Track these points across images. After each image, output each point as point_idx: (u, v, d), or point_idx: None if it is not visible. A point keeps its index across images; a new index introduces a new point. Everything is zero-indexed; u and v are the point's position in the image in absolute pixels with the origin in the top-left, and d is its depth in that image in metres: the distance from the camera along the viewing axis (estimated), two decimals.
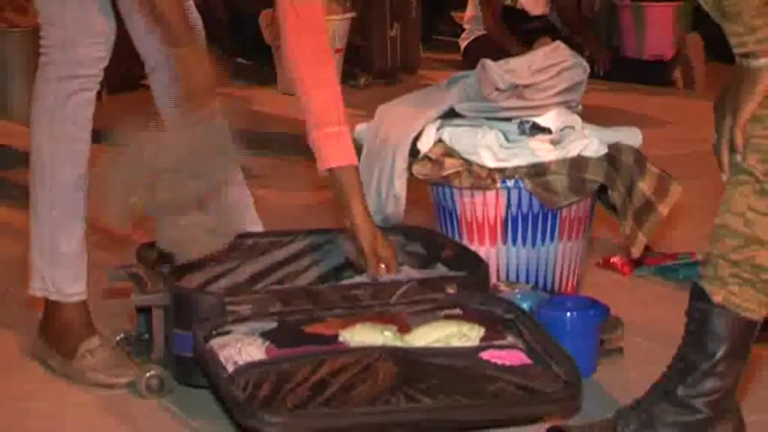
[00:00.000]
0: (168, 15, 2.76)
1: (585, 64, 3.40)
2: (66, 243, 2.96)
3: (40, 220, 2.97)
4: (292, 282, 3.14)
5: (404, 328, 2.72)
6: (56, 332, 2.99)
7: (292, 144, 5.22)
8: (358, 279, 3.03)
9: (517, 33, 6.46)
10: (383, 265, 2.97)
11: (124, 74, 6.40)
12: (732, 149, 2.32)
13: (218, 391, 2.60)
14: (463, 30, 6.97)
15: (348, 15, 6.77)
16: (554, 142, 3.21)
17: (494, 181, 3.17)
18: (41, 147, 2.95)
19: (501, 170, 3.17)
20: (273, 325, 2.72)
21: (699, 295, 2.39)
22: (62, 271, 2.97)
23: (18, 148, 5.45)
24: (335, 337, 2.69)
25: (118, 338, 3.04)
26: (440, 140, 3.25)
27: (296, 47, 2.98)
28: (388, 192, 3.24)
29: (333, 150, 2.96)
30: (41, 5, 2.93)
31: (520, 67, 3.29)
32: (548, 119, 3.25)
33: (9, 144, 5.57)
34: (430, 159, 3.22)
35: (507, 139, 3.20)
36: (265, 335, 2.68)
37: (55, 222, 2.95)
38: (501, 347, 2.69)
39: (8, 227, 4.18)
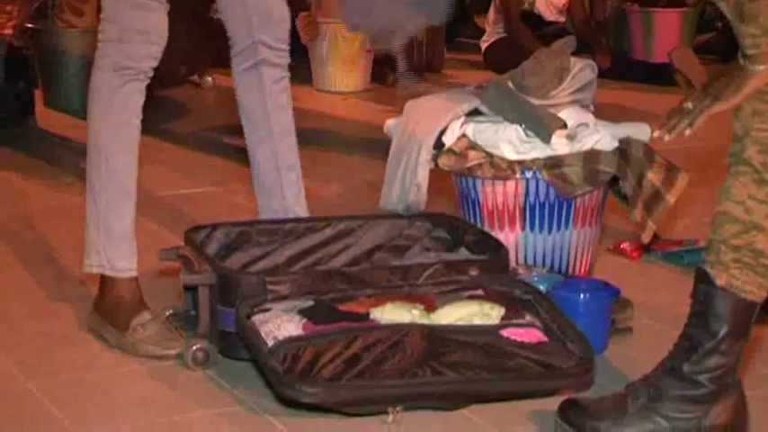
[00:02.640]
0: None
1: (593, 64, 3.39)
2: (119, 222, 2.98)
3: (95, 200, 2.99)
4: (327, 263, 3.13)
5: (430, 307, 2.72)
6: (109, 307, 3.00)
7: (328, 138, 5.24)
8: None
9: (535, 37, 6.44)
10: None
11: (171, 71, 6.45)
12: (690, 125, 2.30)
13: (259, 363, 2.60)
14: (484, 32, 6.95)
15: None
16: (569, 137, 3.21)
17: (513, 172, 3.16)
18: (97, 132, 2.97)
19: (520, 162, 3.16)
20: (310, 303, 2.72)
21: (702, 278, 2.38)
22: (115, 247, 2.98)
23: (76, 139, 5.47)
24: (367, 314, 2.69)
25: (167, 314, 3.04)
26: (463, 135, 3.24)
27: None
28: (412, 181, 3.23)
29: None
30: (105, 3, 2.96)
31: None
32: (564, 115, 3.25)
33: (68, 135, 5.58)
34: (454, 152, 3.22)
35: (526, 134, 3.20)
36: (302, 312, 2.68)
37: (108, 202, 2.97)
38: (520, 326, 2.69)
39: (67, 213, 4.19)
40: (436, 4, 3.16)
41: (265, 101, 3.19)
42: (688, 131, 2.29)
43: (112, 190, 2.97)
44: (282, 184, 3.23)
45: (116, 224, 2.98)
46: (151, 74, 2.98)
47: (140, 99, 2.98)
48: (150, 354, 2.88)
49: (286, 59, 3.22)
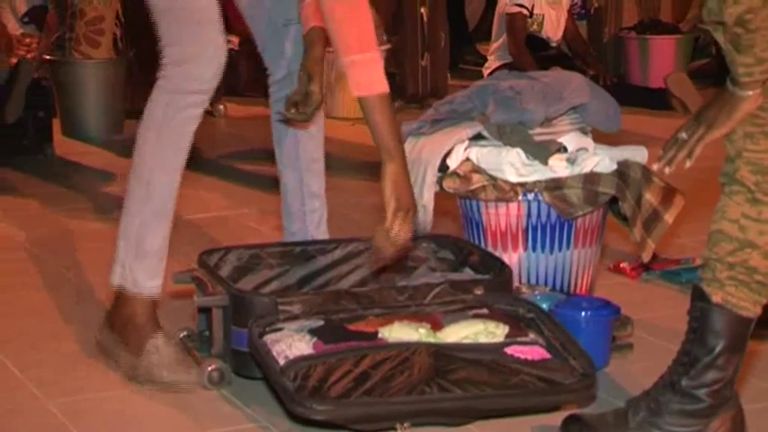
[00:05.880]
0: None
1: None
2: (152, 240, 2.88)
3: (131, 214, 2.89)
4: (336, 284, 3.13)
5: (437, 326, 2.71)
6: (122, 322, 2.91)
7: (335, 162, 5.23)
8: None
9: (536, 60, 6.45)
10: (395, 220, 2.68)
11: None
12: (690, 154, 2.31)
13: (271, 381, 2.60)
14: (486, 60, 6.96)
15: (384, 47, 6.78)
16: (569, 161, 3.21)
17: (516, 194, 3.16)
18: (145, 149, 2.86)
19: (522, 184, 3.16)
20: (320, 323, 2.71)
21: (699, 296, 2.38)
22: (142, 265, 2.89)
23: (93, 166, 5.48)
24: (375, 333, 2.68)
25: (181, 335, 3.03)
26: (467, 159, 3.24)
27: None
28: (418, 203, 3.23)
29: (360, 78, 2.67)
30: (163, 29, 2.85)
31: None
32: (564, 141, 3.25)
33: (84, 162, 5.60)
34: (458, 175, 3.22)
35: (527, 158, 3.20)
36: (313, 332, 2.67)
37: (144, 219, 2.87)
38: (523, 343, 2.68)
39: (84, 237, 4.20)
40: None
41: (296, 128, 3.20)
42: (688, 163, 2.31)
43: (150, 209, 2.87)
44: (306, 210, 3.24)
45: (149, 242, 2.88)
46: (211, 94, 2.86)
47: (194, 125, 2.86)
48: (164, 380, 2.82)
49: None
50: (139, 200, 2.88)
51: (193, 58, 2.81)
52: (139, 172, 2.88)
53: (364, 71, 2.67)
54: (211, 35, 2.83)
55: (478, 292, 2.84)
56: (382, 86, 2.69)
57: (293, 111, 3.07)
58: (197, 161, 5.47)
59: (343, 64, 2.68)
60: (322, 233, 3.25)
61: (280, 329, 2.69)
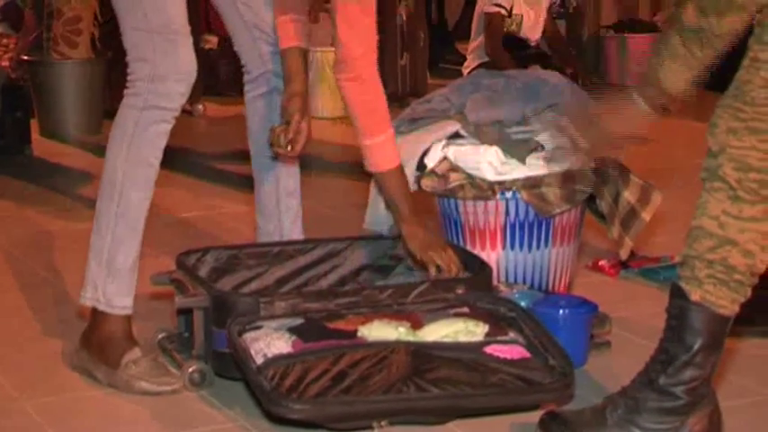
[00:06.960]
0: None
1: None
2: (124, 258, 2.86)
3: (102, 234, 2.86)
4: (315, 284, 3.13)
5: (417, 325, 2.71)
6: (99, 342, 2.88)
7: (314, 162, 5.24)
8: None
9: (514, 59, 6.46)
10: (437, 265, 2.96)
11: None
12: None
13: (248, 380, 2.60)
14: (465, 59, 6.97)
15: None
16: (547, 159, 3.21)
17: (494, 192, 3.16)
18: (115, 167, 2.84)
19: (500, 183, 3.16)
20: (300, 321, 2.71)
21: (678, 294, 2.38)
22: (115, 284, 2.86)
23: (71, 167, 5.47)
24: (355, 332, 2.68)
25: (160, 337, 3.02)
26: (445, 157, 3.25)
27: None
28: None
29: (373, 159, 2.99)
30: (132, 44, 2.84)
31: None
32: (542, 139, 3.25)
33: (62, 163, 5.58)
34: (436, 174, 3.22)
35: (505, 156, 3.20)
36: (292, 330, 2.67)
37: (116, 238, 2.85)
38: (503, 342, 2.68)
39: (63, 237, 4.19)
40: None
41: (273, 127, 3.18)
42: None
43: (122, 227, 2.84)
44: (281, 210, 3.22)
45: (120, 261, 2.86)
46: (179, 111, 2.87)
47: (165, 140, 2.86)
48: (144, 390, 2.79)
49: None
50: (110, 218, 2.85)
51: (166, 77, 2.81)
52: (110, 189, 2.85)
53: (378, 153, 2.98)
54: (184, 53, 2.83)
55: (460, 290, 2.84)
56: (394, 162, 3.00)
57: (287, 148, 2.99)
58: (176, 161, 5.50)
59: (360, 143, 2.99)
60: (297, 232, 3.23)
61: (259, 327, 2.68)
